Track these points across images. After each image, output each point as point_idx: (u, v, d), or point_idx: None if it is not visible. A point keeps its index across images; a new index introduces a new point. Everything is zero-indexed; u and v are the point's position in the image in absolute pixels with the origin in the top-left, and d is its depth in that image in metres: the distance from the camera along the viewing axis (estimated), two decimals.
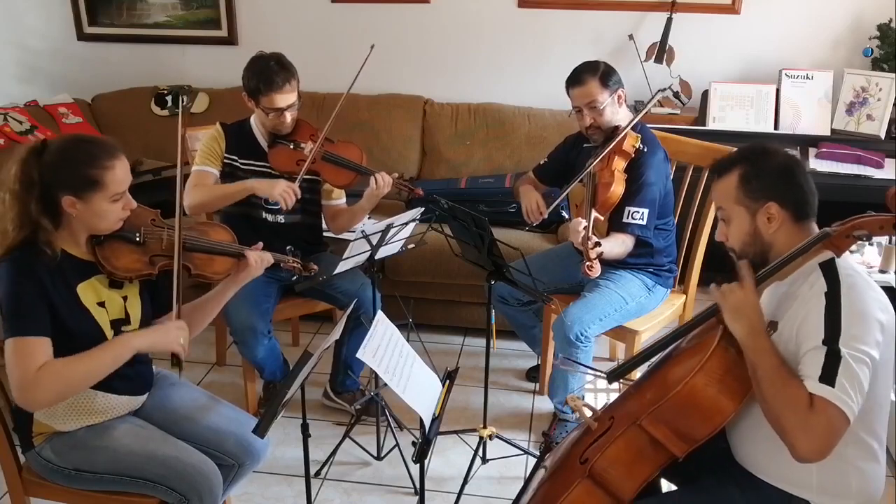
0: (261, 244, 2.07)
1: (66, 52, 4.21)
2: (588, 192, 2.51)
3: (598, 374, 1.94)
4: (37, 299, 1.70)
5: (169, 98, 3.99)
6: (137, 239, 1.87)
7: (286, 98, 2.58)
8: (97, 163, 1.73)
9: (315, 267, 2.20)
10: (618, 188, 2.51)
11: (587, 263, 2.23)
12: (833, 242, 1.58)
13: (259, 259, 2.02)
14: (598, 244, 2.26)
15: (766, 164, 1.65)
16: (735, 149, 1.81)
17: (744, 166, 1.66)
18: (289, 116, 2.63)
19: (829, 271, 1.56)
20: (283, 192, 2.54)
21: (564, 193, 2.67)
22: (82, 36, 4.19)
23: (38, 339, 1.69)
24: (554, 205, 2.71)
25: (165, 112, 3.97)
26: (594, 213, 2.40)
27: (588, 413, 1.83)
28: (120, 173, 1.77)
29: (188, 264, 1.94)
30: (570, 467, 1.74)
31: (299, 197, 2.58)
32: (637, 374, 2.82)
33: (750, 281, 1.58)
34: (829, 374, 1.45)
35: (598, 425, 1.77)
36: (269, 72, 2.55)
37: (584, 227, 2.29)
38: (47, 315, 1.71)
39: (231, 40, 4.04)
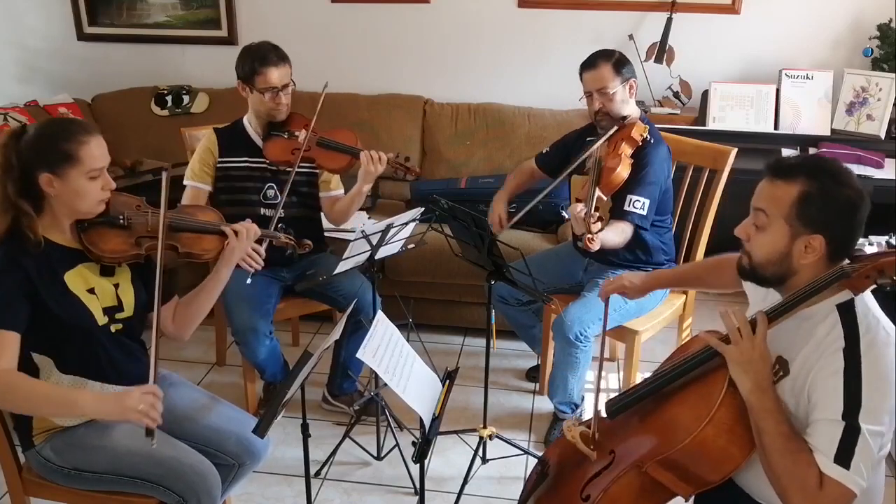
0: (248, 220, 2.05)
1: (66, 52, 4.20)
2: (593, 174, 2.52)
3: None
4: (17, 292, 1.71)
5: (169, 98, 3.99)
6: (122, 222, 1.88)
7: (282, 75, 2.63)
8: (71, 137, 1.75)
9: (309, 242, 2.18)
10: (623, 171, 2.51)
11: (588, 236, 2.23)
12: (852, 283, 1.44)
13: (243, 230, 1.99)
14: (600, 219, 2.27)
15: (834, 192, 1.45)
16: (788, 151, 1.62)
17: (811, 184, 1.46)
18: (284, 98, 2.67)
19: (848, 319, 1.45)
20: (246, 259, 2.11)
21: (579, 161, 2.63)
22: (82, 36, 4.18)
23: (8, 333, 1.69)
24: (515, 219, 2.70)
25: (165, 112, 3.97)
26: (598, 192, 2.42)
27: (585, 441, 1.78)
28: (95, 149, 1.78)
29: (176, 244, 1.95)
30: (572, 502, 1.71)
31: (264, 257, 2.18)
32: (636, 372, 2.82)
33: (763, 332, 1.48)
34: (845, 453, 1.38)
35: (599, 455, 1.73)
36: (262, 50, 2.64)
37: (583, 208, 2.31)
38: (25, 310, 1.72)
39: (231, 40, 4.04)
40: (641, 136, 2.57)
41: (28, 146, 1.74)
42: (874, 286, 1.45)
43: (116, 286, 1.90)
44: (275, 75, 2.61)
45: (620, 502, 1.63)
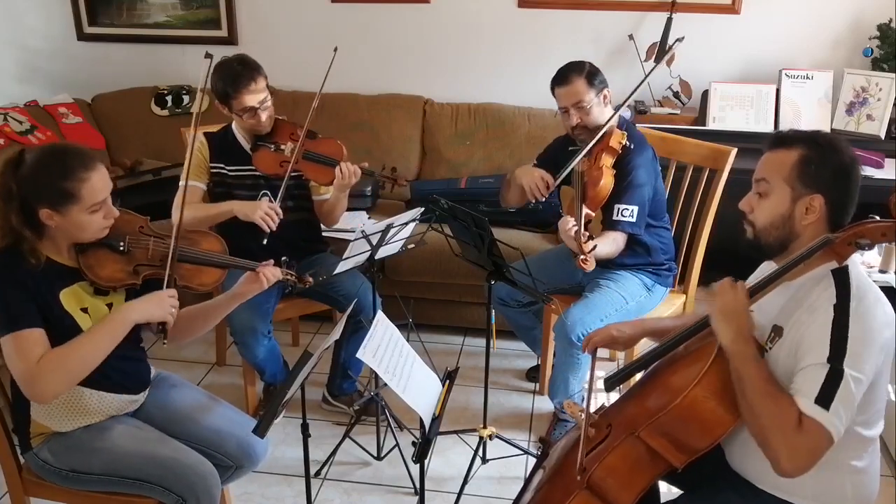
0: (271, 261, 2.03)
1: (66, 52, 4.21)
2: (578, 190, 2.51)
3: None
4: (24, 296, 1.70)
5: (169, 98, 3.99)
6: (121, 248, 1.84)
7: (255, 96, 2.57)
8: (72, 175, 1.70)
9: (311, 280, 2.16)
10: (606, 183, 2.50)
11: (581, 257, 2.22)
12: (834, 250, 1.52)
13: (270, 278, 2.00)
14: (591, 237, 2.26)
15: (831, 155, 1.56)
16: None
17: (809, 149, 1.57)
18: (263, 115, 2.62)
19: (841, 280, 1.51)
20: (264, 216, 2.51)
21: (565, 171, 2.60)
22: (82, 36, 4.18)
23: (32, 330, 1.69)
24: (562, 176, 2.61)
25: (165, 112, 3.97)
26: (585, 210, 2.40)
27: (584, 418, 1.81)
28: (97, 184, 1.73)
29: (174, 275, 1.89)
30: (569, 475, 1.72)
31: (281, 216, 2.54)
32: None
33: (742, 286, 1.56)
34: (826, 396, 1.42)
35: (596, 433, 1.75)
36: (233, 73, 2.54)
37: (573, 225, 2.29)
38: (37, 310, 1.71)
39: (231, 40, 4.04)
40: (620, 143, 2.55)
41: (27, 179, 1.69)
42: (857, 251, 1.52)
43: (110, 306, 1.87)
44: (248, 98, 2.55)
45: (616, 472, 1.64)
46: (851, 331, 1.45)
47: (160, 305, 1.80)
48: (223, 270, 2.00)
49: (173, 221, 2.55)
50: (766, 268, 1.77)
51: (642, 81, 2.79)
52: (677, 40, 2.75)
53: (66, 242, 1.80)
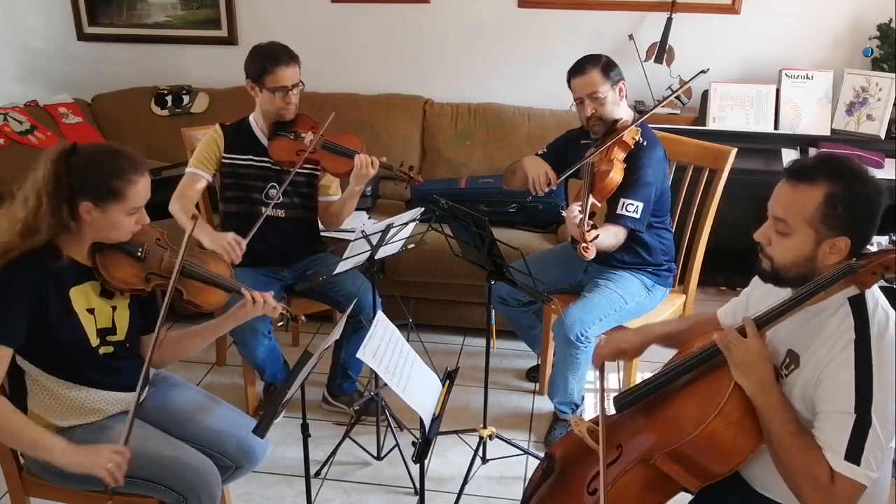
0: (271, 293, 2.02)
1: (66, 52, 4.21)
2: (586, 180, 2.52)
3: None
4: (19, 305, 1.70)
5: (169, 98, 3.99)
6: (139, 254, 1.89)
7: (291, 74, 2.65)
8: (123, 175, 1.75)
9: (304, 318, 2.16)
10: (616, 176, 2.51)
11: (583, 245, 2.23)
12: (857, 279, 1.44)
13: (260, 300, 1.98)
14: (594, 226, 2.26)
15: (858, 191, 1.45)
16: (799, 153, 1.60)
17: (835, 185, 1.45)
18: (294, 98, 2.68)
19: (859, 312, 1.46)
20: (226, 246, 2.47)
21: (575, 168, 2.62)
22: (82, 36, 4.19)
23: (1, 348, 1.69)
24: (564, 176, 2.66)
25: (165, 112, 3.97)
26: (591, 199, 2.41)
27: (592, 436, 1.78)
28: (141, 189, 1.79)
29: (182, 288, 1.94)
30: (576, 493, 1.70)
31: (244, 251, 2.51)
32: (636, 372, 2.82)
33: (753, 332, 1.51)
34: (855, 450, 1.39)
35: (606, 451, 1.71)
36: (272, 50, 2.66)
37: (579, 211, 2.29)
38: (25, 326, 1.71)
39: (231, 40, 4.04)
40: (633, 139, 2.56)
41: (77, 171, 1.73)
42: (880, 282, 1.47)
43: (114, 308, 1.89)
44: (284, 75, 2.63)
45: (627, 495, 1.62)
46: (876, 374, 1.41)
47: (92, 458, 1.70)
48: (227, 294, 2.04)
49: (171, 210, 2.63)
50: (754, 293, 1.74)
51: (665, 99, 2.81)
52: (701, 71, 2.76)
53: (91, 241, 1.82)
